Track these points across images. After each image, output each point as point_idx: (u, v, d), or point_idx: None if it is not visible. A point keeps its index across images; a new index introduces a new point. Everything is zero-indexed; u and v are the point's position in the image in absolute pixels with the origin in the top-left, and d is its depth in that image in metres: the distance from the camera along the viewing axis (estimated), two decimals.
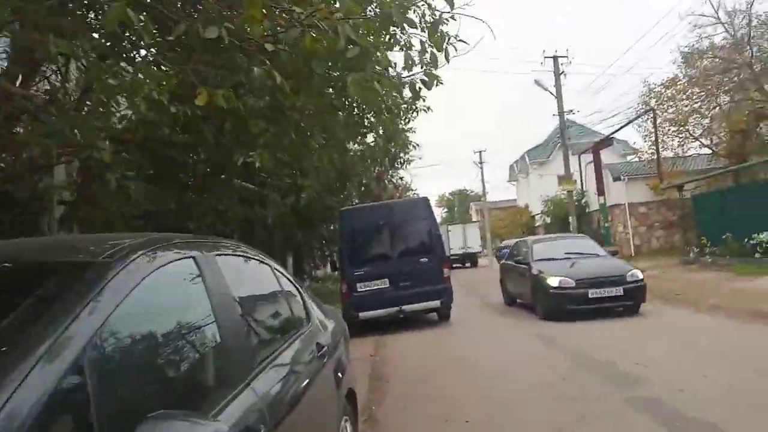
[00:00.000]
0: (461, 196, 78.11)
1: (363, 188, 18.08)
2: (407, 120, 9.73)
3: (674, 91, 26.22)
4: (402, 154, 16.72)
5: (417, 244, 11.70)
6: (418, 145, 15.82)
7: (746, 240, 15.66)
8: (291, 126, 5.34)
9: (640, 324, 9.31)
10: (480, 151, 46.56)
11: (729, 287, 11.53)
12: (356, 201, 18.79)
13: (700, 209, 19.90)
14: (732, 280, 12.51)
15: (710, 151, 26.86)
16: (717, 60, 22.67)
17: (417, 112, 8.94)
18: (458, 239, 37.77)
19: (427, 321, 12.29)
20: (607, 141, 30.17)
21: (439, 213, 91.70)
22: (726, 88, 24.19)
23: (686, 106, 26.19)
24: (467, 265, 37.17)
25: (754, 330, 7.85)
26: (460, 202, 77.89)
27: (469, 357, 8.13)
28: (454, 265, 33.21)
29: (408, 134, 11.51)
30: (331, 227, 17.71)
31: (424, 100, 7.21)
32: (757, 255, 14.98)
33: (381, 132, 9.92)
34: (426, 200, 12.62)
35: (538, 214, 40.52)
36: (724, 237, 16.90)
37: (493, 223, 47.96)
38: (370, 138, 11.34)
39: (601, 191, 28.94)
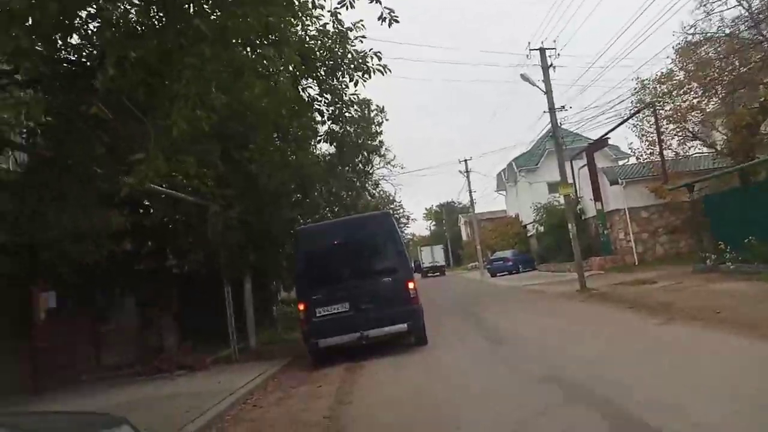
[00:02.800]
0: (449, 208, 75.98)
1: (332, 197, 15.71)
2: (354, 81, 7.40)
3: (670, 86, 24.23)
4: (369, 142, 14.39)
5: (379, 262, 10.97)
6: (384, 120, 13.59)
7: None
8: None
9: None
10: (465, 160, 44.43)
11: None
12: (326, 212, 16.44)
13: (713, 211, 17.77)
14: None
15: (711, 150, 24.81)
16: (719, 49, 20.64)
17: (369, 73, 6.64)
18: (428, 256, 54.37)
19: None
20: (602, 142, 28.15)
21: (427, 226, 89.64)
22: (726, 80, 22.21)
23: (684, 101, 24.22)
24: (437, 274, 51.71)
25: None
26: (447, 214, 75.73)
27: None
28: (428, 274, 50.83)
29: (371, 112, 9.15)
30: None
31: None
32: None
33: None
34: (388, 215, 11.84)
35: (530, 223, 38.44)
36: (746, 241, 14.73)
37: (483, 235, 45.75)
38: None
39: (597, 196, 26.83)
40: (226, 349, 12.88)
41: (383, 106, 14.50)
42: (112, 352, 14.54)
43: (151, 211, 13.13)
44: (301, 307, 10.64)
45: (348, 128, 6.98)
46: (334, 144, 7.04)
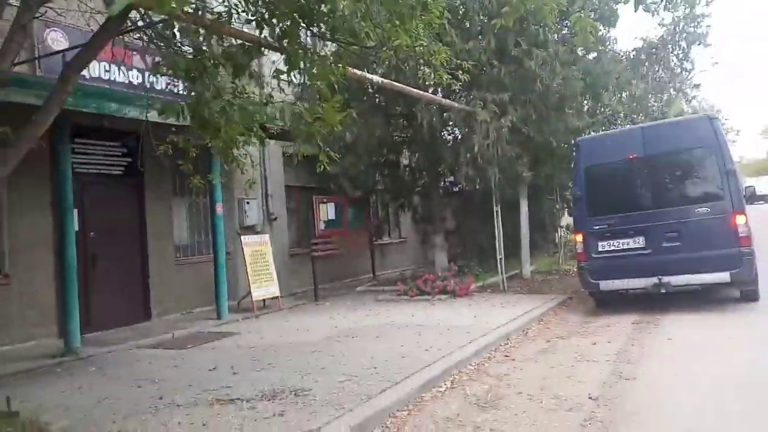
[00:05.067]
0: None
1: (635, 103, 12.63)
2: None
3: None
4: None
5: (693, 186, 8.15)
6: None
7: None
8: None
9: None
10: None
11: None
12: (625, 123, 13.46)
13: None
14: None
15: None
16: None
17: None
18: (764, 186, 50.82)
19: None
20: None
21: (765, 148, 73.15)
22: None
23: None
24: (761, 202, 47.27)
25: None
26: None
27: None
28: (753, 202, 44.34)
29: None
30: None
31: None
32: None
33: None
34: (710, 119, 8.19)
35: None
36: None
37: None
38: None
39: None
40: (495, 275, 11.61)
41: None
42: (386, 267, 14.73)
43: (423, 123, 12.23)
44: (579, 238, 8.57)
45: None
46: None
